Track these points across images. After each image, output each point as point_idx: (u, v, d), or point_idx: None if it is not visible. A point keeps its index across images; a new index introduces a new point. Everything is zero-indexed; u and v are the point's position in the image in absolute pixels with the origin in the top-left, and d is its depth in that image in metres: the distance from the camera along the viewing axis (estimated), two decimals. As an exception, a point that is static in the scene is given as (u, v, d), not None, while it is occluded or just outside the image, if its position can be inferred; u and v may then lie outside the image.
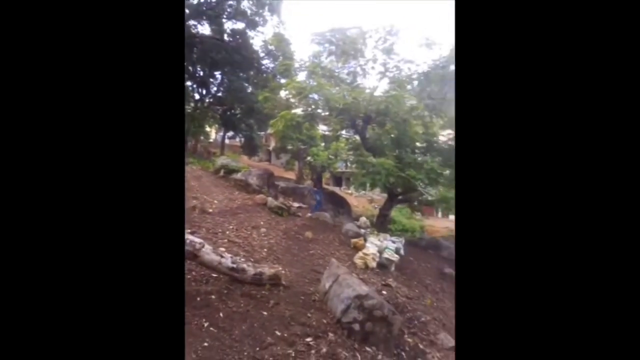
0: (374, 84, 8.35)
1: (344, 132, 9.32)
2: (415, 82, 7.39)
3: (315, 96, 7.70)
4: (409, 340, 3.92)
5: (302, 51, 60.65)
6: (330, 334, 3.15)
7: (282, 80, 11.18)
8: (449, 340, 4.05)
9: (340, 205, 11.34)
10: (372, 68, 8.09)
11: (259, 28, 16.20)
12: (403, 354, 3.69)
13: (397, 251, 6.52)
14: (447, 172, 7.86)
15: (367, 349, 3.12)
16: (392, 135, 7.63)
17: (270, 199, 8.23)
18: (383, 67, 7.77)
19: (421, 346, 3.83)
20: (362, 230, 7.56)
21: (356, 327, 3.21)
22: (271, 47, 15.25)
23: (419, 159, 7.21)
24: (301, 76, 8.77)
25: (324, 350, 2.88)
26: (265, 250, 5.32)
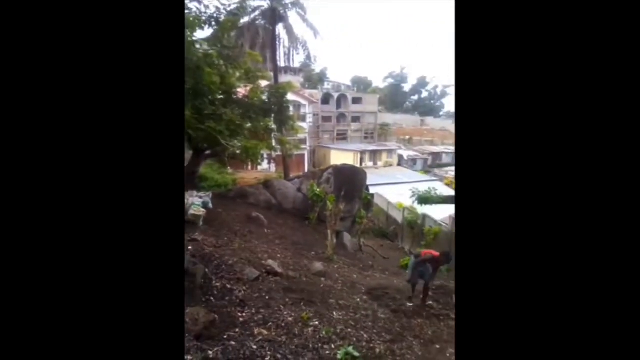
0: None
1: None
2: (206, 27, 6.85)
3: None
4: (217, 284, 4.13)
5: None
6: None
7: None
8: (254, 273, 4.57)
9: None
10: (153, 0, 6.74)
11: None
12: (212, 298, 3.86)
13: (204, 205, 6.44)
14: (248, 124, 8.16)
15: (170, 306, 3.03)
16: (187, 86, 6.96)
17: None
18: (166, 1, 6.61)
19: (229, 286, 4.13)
20: (165, 192, 6.88)
21: (153, 289, 3.00)
22: None
23: (219, 111, 7.05)
24: None
25: (113, 325, 2.55)
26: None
